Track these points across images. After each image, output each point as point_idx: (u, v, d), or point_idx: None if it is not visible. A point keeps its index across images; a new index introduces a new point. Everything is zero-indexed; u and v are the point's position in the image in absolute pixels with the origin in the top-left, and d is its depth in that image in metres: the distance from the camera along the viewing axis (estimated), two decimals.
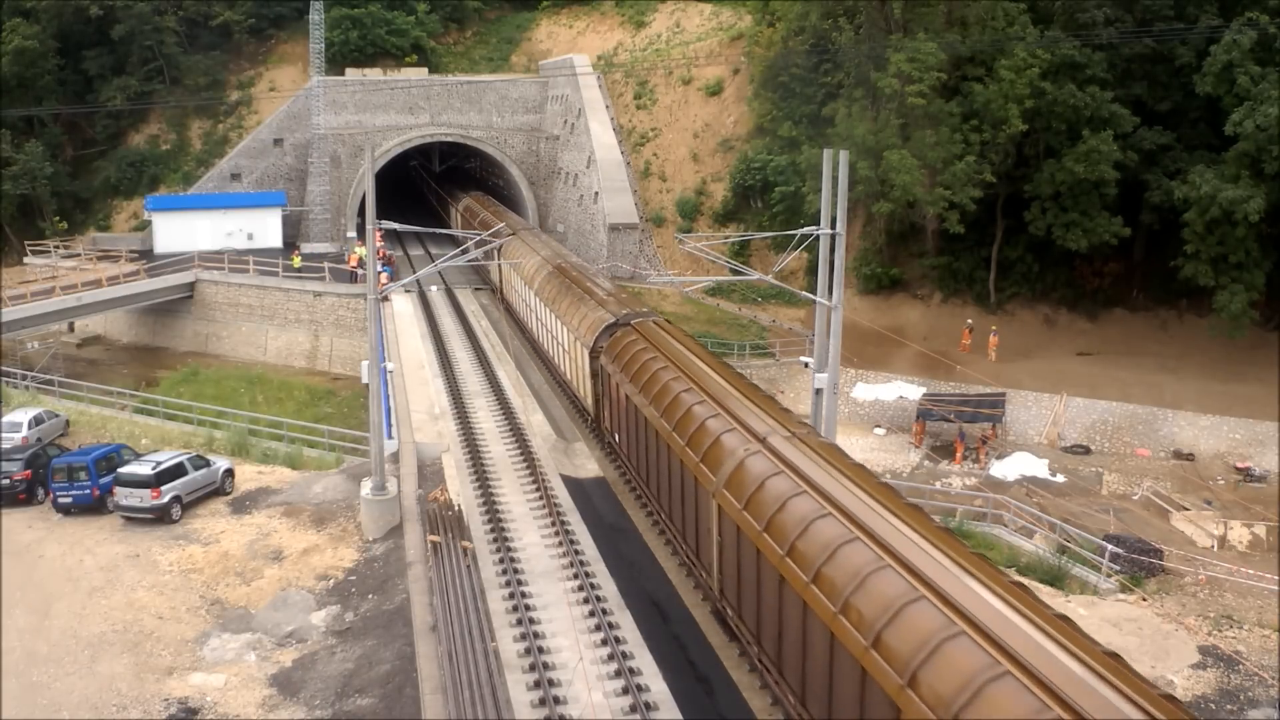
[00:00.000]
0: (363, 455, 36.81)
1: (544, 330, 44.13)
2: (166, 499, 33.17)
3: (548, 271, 44.79)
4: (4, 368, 53.24)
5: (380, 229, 32.06)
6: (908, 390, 47.44)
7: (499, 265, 53.75)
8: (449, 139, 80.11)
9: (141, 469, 33.61)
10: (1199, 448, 44.95)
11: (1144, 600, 30.93)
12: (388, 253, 64.07)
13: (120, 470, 34.05)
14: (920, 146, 51.99)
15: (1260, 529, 37.55)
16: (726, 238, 60.44)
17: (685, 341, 31.02)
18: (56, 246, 73.35)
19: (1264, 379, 46.58)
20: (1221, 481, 42.91)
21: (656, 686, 20.50)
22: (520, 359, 46.57)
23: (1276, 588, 31.88)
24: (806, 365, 31.21)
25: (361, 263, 57.01)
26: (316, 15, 74.94)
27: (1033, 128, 52.59)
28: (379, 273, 31.89)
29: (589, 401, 35.58)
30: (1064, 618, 14.61)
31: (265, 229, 74.06)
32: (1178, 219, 49.64)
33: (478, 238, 39.66)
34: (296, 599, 28.56)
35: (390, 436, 35.70)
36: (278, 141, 78.48)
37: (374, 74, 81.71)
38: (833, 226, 29.21)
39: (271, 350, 63.29)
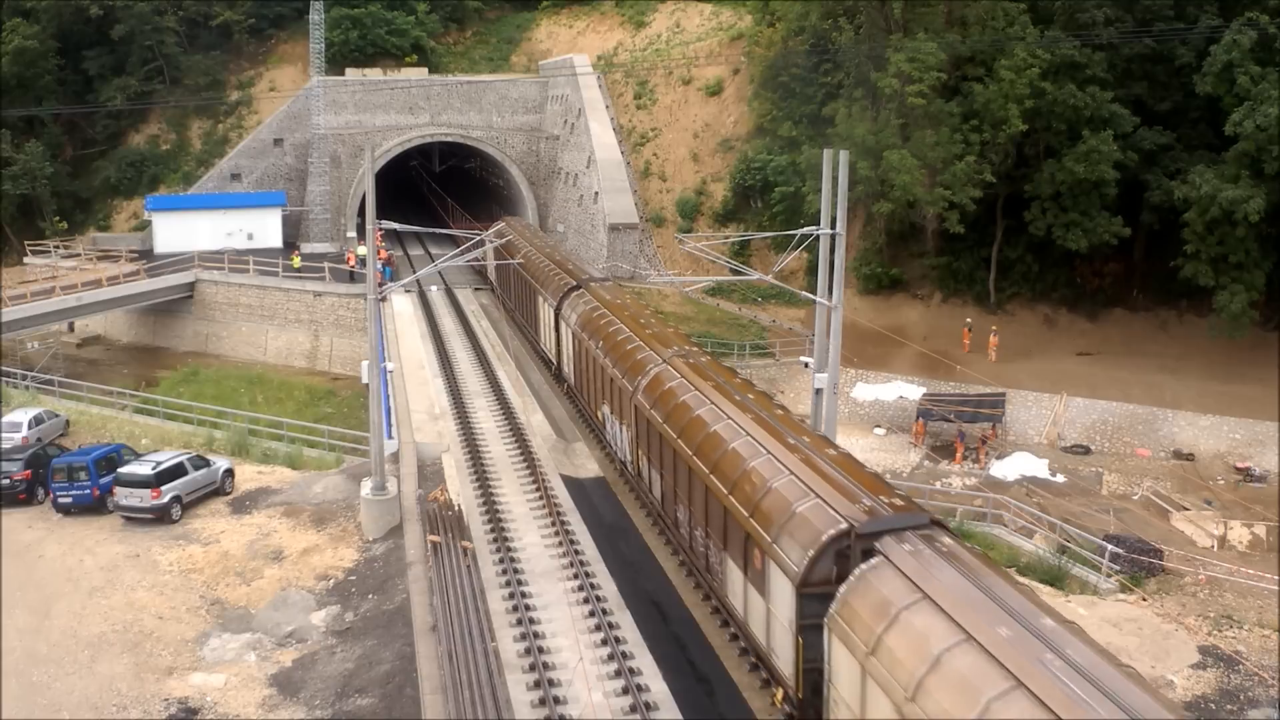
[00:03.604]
0: (363, 455, 36.79)
1: None
2: (166, 499, 33.18)
3: None
4: (4, 368, 53.22)
5: (380, 229, 32.06)
6: (908, 390, 47.43)
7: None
8: (449, 139, 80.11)
9: (141, 469, 33.62)
10: (1199, 448, 44.93)
11: (1144, 600, 30.89)
12: (387, 253, 64.02)
13: (120, 470, 34.07)
14: (920, 146, 51.99)
15: (1260, 529, 37.54)
16: (726, 238, 60.42)
17: None
18: (56, 246, 73.34)
19: (1264, 379, 46.56)
20: (1221, 481, 42.89)
21: (656, 686, 20.49)
22: (520, 359, 46.53)
23: (1276, 588, 31.87)
24: (806, 365, 31.22)
25: (361, 262, 56.98)
26: (316, 15, 74.96)
27: (1033, 128, 52.58)
28: (376, 272, 31.81)
29: None
30: None
31: (265, 229, 74.07)
32: (1178, 219, 49.66)
33: (476, 238, 39.65)
34: (296, 599, 28.56)
35: (390, 436, 35.68)
36: (278, 141, 78.50)
37: (374, 74, 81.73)
38: (833, 226, 29.21)
39: (271, 350, 63.28)
